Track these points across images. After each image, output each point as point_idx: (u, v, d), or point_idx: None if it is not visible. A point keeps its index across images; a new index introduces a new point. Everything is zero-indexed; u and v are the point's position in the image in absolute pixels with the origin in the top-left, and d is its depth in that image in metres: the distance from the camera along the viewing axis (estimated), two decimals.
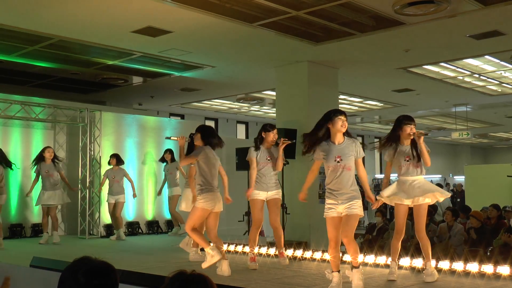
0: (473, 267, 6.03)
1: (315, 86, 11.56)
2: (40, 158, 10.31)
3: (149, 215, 12.67)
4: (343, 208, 5.32)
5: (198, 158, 6.67)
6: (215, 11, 8.37)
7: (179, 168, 11.46)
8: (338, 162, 5.36)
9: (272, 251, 7.56)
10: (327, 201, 5.40)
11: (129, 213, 12.23)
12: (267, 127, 7.15)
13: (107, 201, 11.10)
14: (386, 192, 5.95)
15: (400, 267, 6.36)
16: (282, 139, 7.10)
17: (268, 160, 7.07)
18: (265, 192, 7.06)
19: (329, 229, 5.39)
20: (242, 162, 12.81)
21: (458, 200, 21.34)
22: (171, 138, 7.18)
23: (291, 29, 9.39)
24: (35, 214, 11.43)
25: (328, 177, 5.43)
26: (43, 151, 10.37)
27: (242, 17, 8.73)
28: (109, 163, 11.17)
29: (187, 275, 2.21)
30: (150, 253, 8.85)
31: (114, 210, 10.97)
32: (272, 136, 7.10)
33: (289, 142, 7.17)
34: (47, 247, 9.68)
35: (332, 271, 5.37)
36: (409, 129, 5.87)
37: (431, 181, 25.32)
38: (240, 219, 13.63)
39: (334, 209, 5.35)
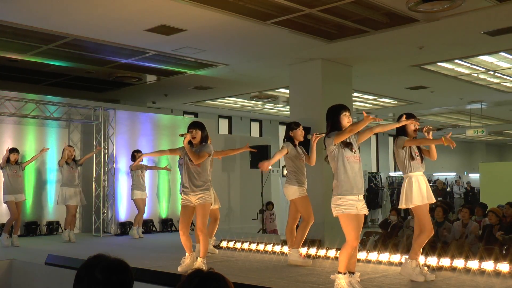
0: (488, 265, 5.98)
1: (329, 84, 11.53)
2: (62, 157, 10.37)
3: (163, 213, 12.71)
4: (361, 206, 5.08)
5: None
6: (229, 9, 8.38)
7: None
8: (354, 153, 5.15)
9: (286, 249, 7.55)
10: (348, 197, 5.02)
11: None
12: (292, 125, 7.14)
13: (133, 197, 11.01)
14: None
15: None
16: (314, 134, 6.96)
17: (302, 157, 7.09)
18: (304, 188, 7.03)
19: (353, 226, 5.01)
20: (256, 160, 12.83)
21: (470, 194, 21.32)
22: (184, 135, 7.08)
23: (305, 26, 9.37)
24: (50, 212, 11.51)
25: (351, 169, 5.09)
26: (64, 150, 10.42)
27: (256, 15, 8.73)
28: (134, 159, 10.89)
29: (204, 273, 2.22)
30: (164, 251, 8.87)
31: (139, 206, 11.01)
32: (299, 132, 7.10)
33: (322, 135, 6.86)
34: (63, 244, 9.74)
35: (346, 273, 5.06)
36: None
37: (446, 179, 24.90)
38: (254, 217, 13.56)
39: (357, 206, 5.05)
